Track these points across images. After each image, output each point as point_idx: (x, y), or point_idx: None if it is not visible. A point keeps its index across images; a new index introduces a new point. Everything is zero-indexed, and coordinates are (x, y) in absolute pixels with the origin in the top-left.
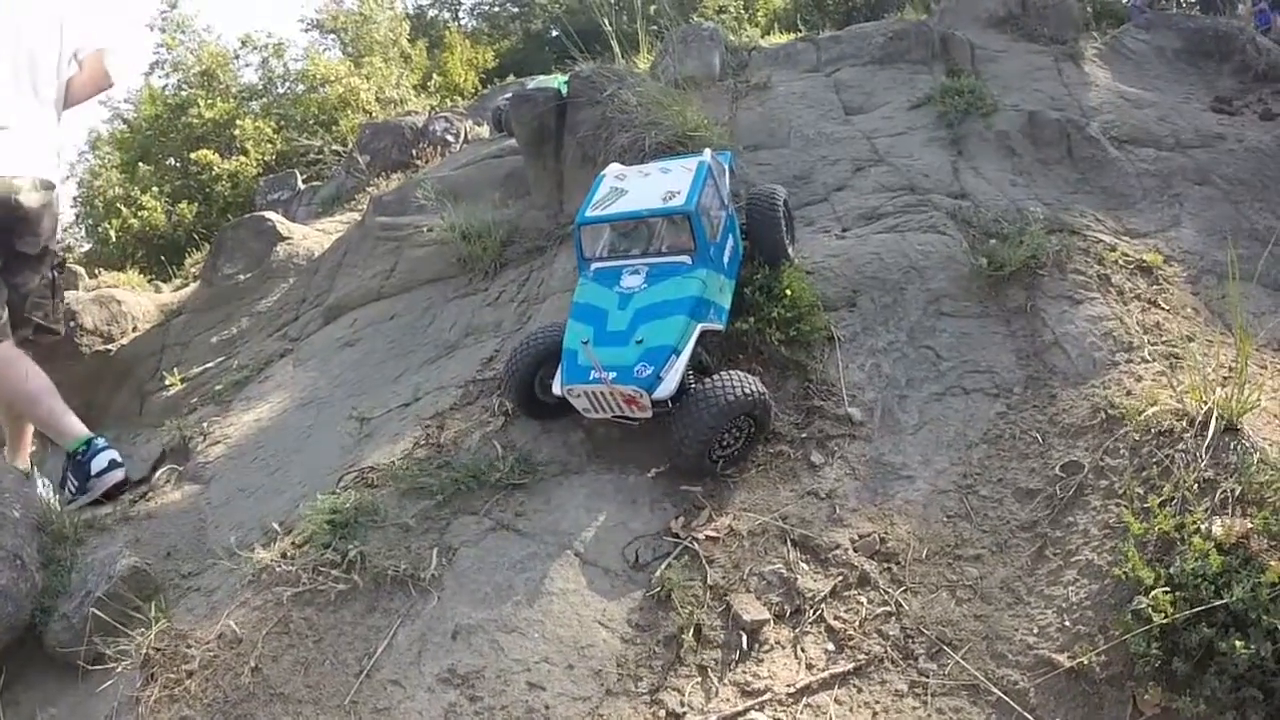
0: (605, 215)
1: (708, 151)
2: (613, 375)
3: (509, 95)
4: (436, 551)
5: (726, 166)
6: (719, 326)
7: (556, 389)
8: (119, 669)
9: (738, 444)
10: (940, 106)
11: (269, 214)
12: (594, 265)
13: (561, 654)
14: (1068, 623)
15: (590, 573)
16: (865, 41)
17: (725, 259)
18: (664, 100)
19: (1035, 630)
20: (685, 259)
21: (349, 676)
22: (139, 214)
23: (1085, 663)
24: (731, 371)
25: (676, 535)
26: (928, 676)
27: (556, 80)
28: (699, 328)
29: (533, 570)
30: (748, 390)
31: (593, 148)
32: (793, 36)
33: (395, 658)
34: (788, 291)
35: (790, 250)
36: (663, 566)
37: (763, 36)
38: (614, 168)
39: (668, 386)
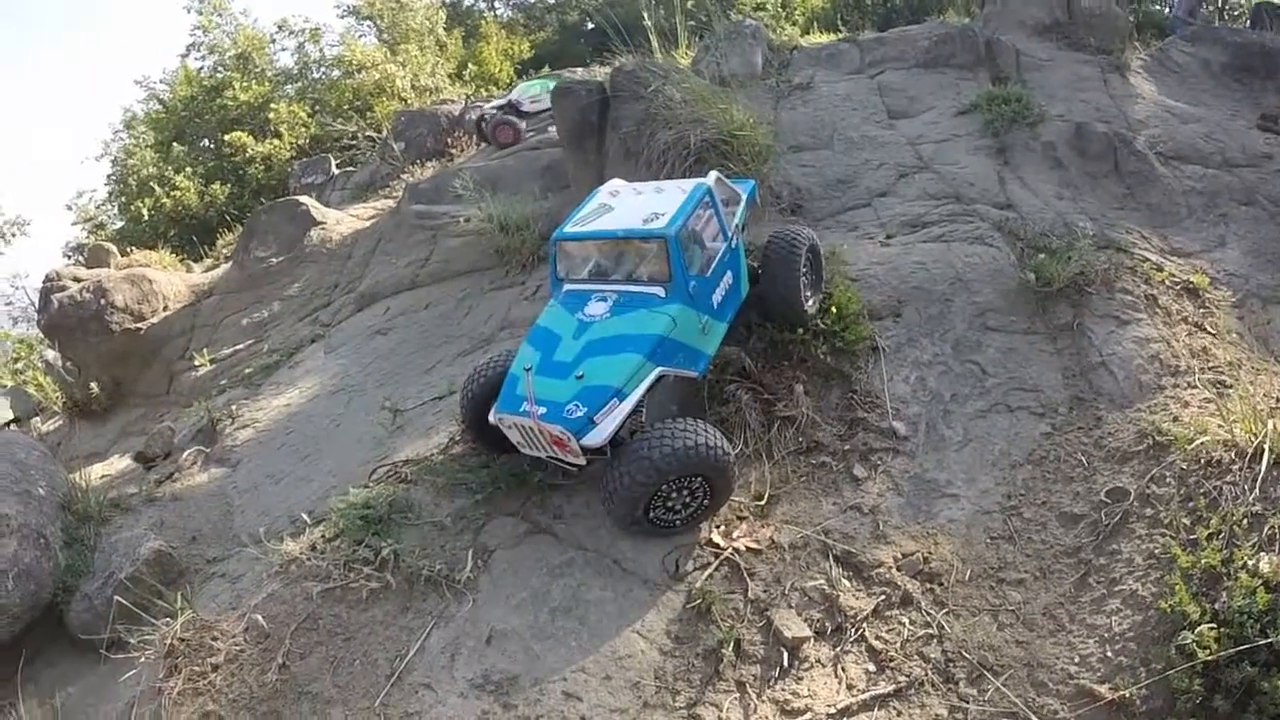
0: (581, 232)
1: (713, 174)
2: (542, 411)
3: (494, 104)
4: (472, 553)
5: (745, 197)
6: (691, 374)
7: (492, 417)
8: (141, 658)
9: (689, 509)
10: (986, 114)
11: (303, 198)
12: (566, 286)
13: (599, 664)
14: (1109, 653)
15: (629, 581)
16: (910, 44)
17: (716, 298)
18: (709, 97)
19: (1077, 659)
20: (659, 290)
21: (379, 678)
22: (172, 193)
23: (1127, 696)
24: (685, 420)
25: (717, 545)
26: (968, 702)
27: (544, 86)
28: (657, 372)
29: (570, 576)
30: (694, 443)
31: (635, 143)
32: (835, 37)
33: (428, 661)
34: (834, 299)
35: (809, 307)
36: (703, 577)
37: (802, 36)
38: (611, 184)
39: (600, 433)
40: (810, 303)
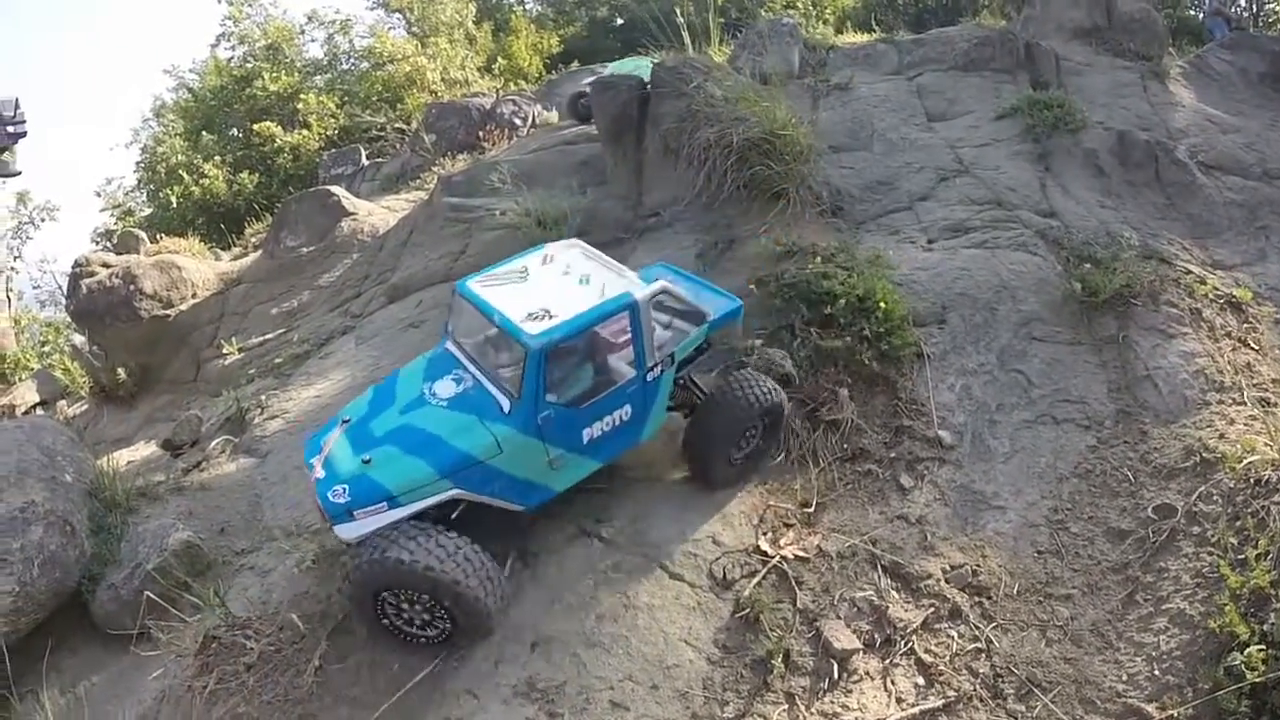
0: (472, 295)
1: (660, 283)
2: (320, 475)
3: (589, 81)
4: (514, 556)
5: (714, 318)
6: (510, 505)
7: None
8: (172, 654)
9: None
10: (1027, 119)
11: (334, 188)
12: (447, 343)
13: (646, 672)
14: (1157, 672)
15: (676, 587)
16: (949, 46)
17: (589, 433)
18: (751, 96)
19: (1124, 677)
20: (505, 402)
21: (420, 684)
22: (200, 182)
23: (1175, 716)
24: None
25: (765, 553)
26: (1016, 719)
27: (636, 65)
28: (451, 493)
29: (617, 582)
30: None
31: (676, 140)
32: (872, 37)
33: (470, 667)
34: (881, 304)
35: (721, 477)
36: (751, 585)
37: (834, 35)
38: (562, 244)
39: (355, 529)
40: (733, 471)
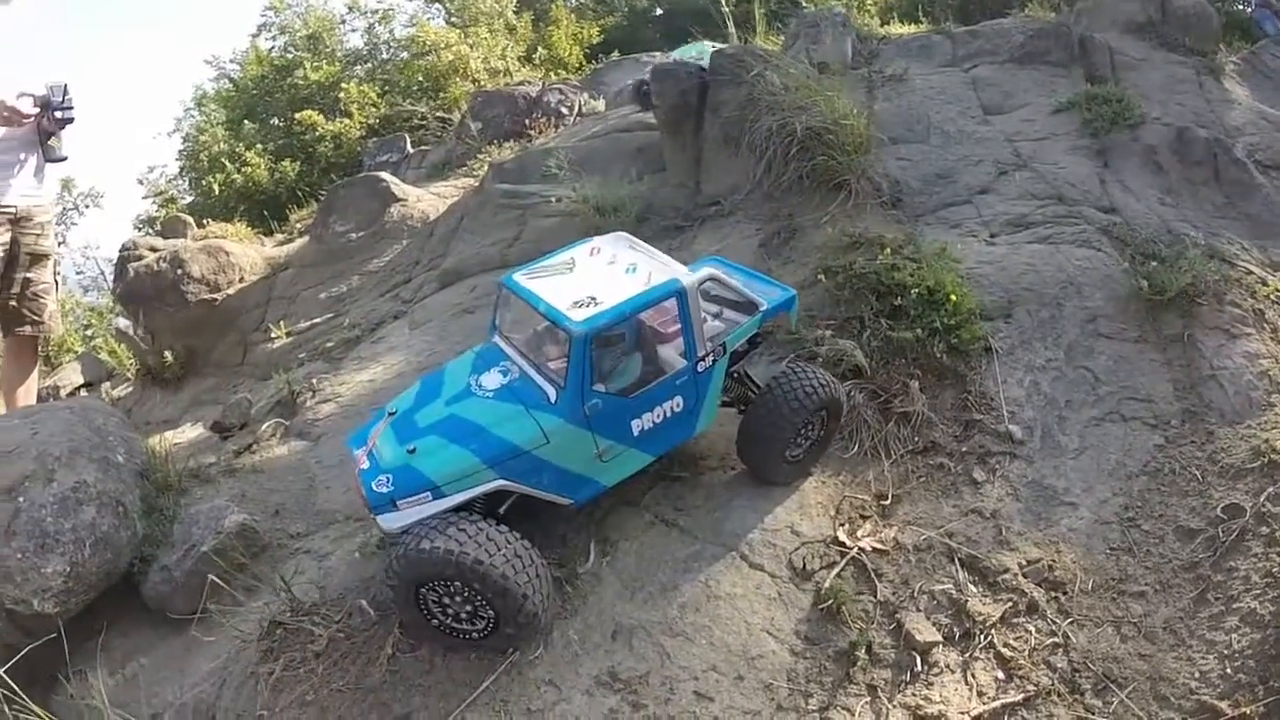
0: (519, 287)
1: (707, 270)
2: (365, 465)
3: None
4: (593, 544)
5: (767, 308)
6: (559, 499)
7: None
8: (237, 637)
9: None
10: (1085, 113)
11: (383, 174)
12: (495, 337)
13: (730, 663)
14: (1229, 670)
15: (756, 577)
16: (1003, 38)
17: (638, 425)
18: (812, 85)
19: (1197, 674)
20: (551, 392)
21: (498, 673)
22: (242, 169)
23: (1247, 713)
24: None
25: (843, 545)
26: (1094, 714)
27: (699, 50)
28: (496, 484)
29: (698, 571)
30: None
31: (735, 129)
32: (925, 28)
33: (551, 656)
34: (951, 297)
35: (778, 474)
36: (831, 576)
37: (881, 25)
38: (609, 237)
39: (398, 519)
40: (792, 468)
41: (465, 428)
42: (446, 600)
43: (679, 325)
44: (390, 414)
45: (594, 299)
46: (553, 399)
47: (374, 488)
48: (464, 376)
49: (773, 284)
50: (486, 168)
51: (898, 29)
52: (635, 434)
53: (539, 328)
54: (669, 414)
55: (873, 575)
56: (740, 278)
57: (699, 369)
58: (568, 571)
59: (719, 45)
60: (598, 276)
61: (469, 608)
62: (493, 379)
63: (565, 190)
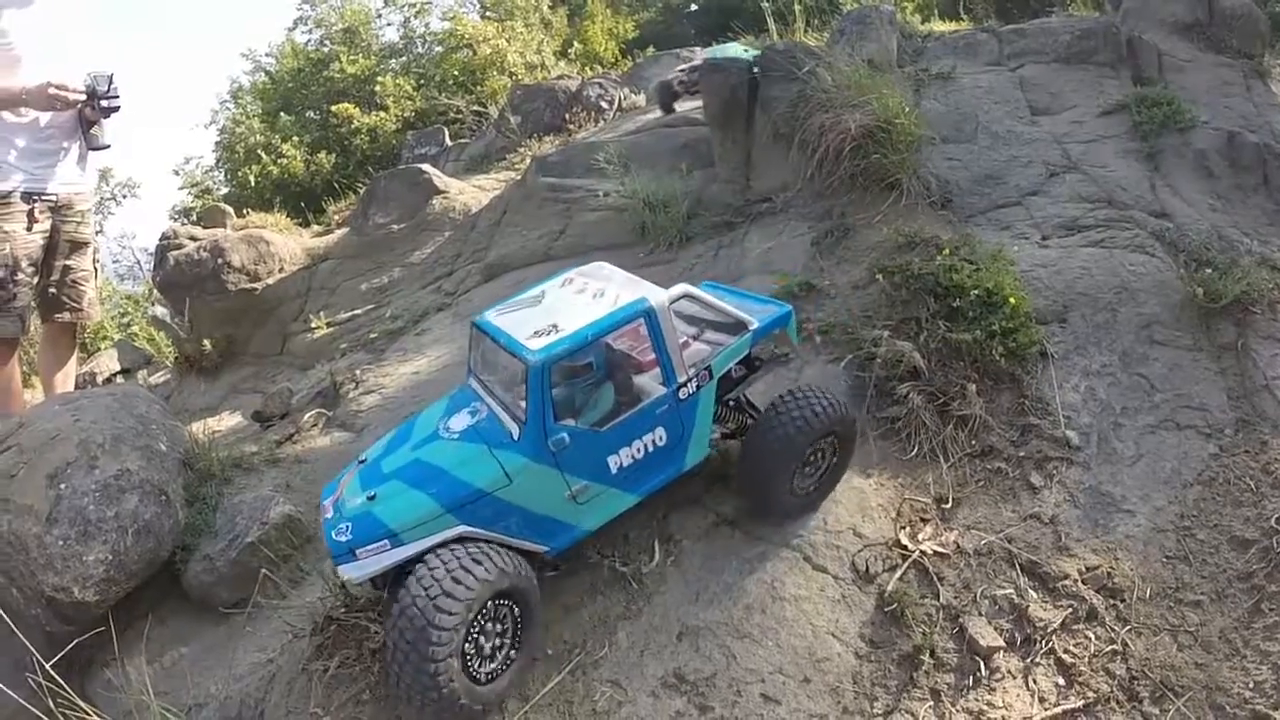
0: (487, 325)
1: (680, 287)
2: (328, 516)
3: (682, 68)
4: (658, 543)
5: (758, 326)
6: (531, 546)
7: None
8: (289, 633)
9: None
10: (1135, 116)
11: (425, 166)
12: (470, 380)
13: (797, 666)
14: None
15: (821, 579)
16: (1050, 38)
17: (615, 461)
18: (864, 82)
19: (1251, 684)
20: (514, 429)
21: (562, 674)
22: (278, 161)
23: None
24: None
25: (905, 548)
26: None
27: (739, 50)
28: (458, 531)
29: (763, 572)
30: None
31: (787, 125)
32: (970, 25)
33: (616, 656)
34: (1009, 300)
35: (783, 508)
36: (894, 579)
37: (921, 23)
38: (589, 266)
39: (358, 569)
40: (800, 502)
41: (426, 471)
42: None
43: (644, 348)
44: (360, 461)
45: (555, 326)
46: (515, 435)
47: (334, 537)
48: (435, 421)
49: (767, 302)
50: (529, 161)
51: (939, 26)
52: (613, 471)
53: (506, 364)
54: (651, 447)
55: (934, 579)
56: (730, 299)
57: (680, 396)
58: (633, 570)
59: (748, 48)
60: (563, 305)
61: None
62: (461, 420)
63: (613, 184)
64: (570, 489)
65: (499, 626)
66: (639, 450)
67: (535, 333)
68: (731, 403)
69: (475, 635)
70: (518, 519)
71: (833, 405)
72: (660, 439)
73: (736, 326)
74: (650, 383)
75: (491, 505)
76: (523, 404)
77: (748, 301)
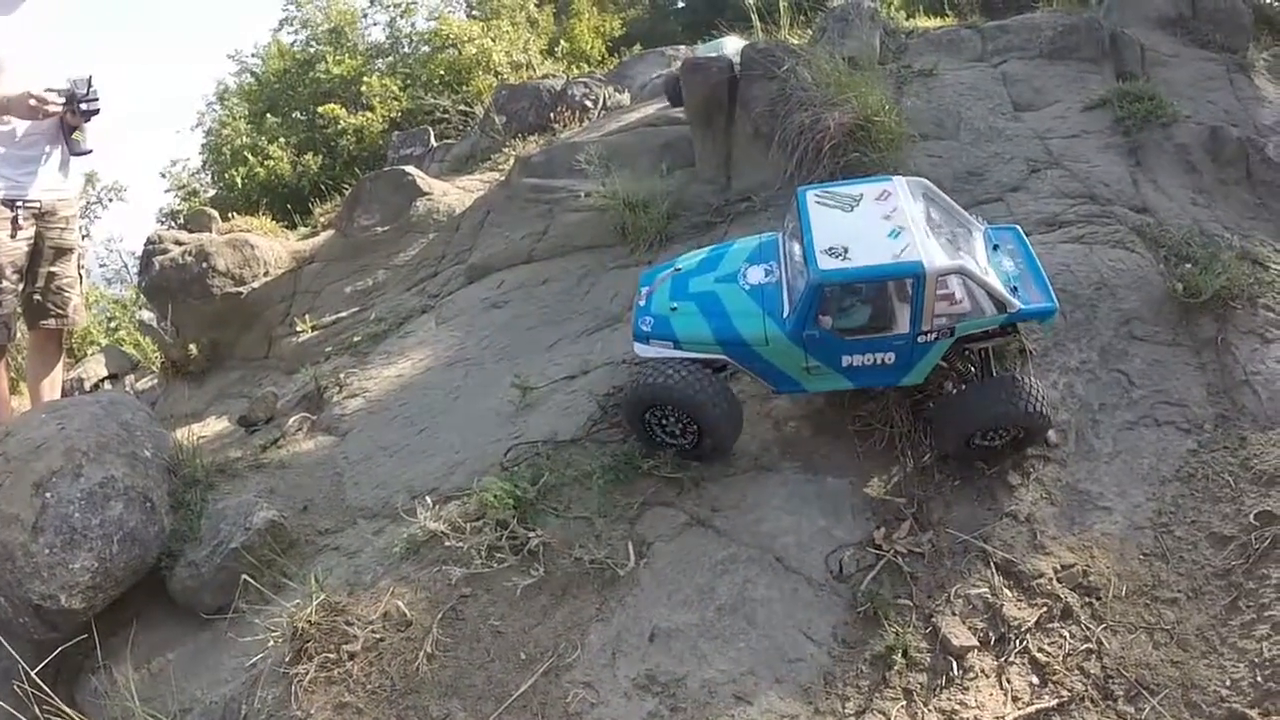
0: (803, 206)
1: (958, 265)
2: (641, 304)
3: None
4: (630, 545)
5: (1014, 314)
6: (764, 384)
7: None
8: (269, 640)
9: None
10: (1117, 111)
11: (409, 168)
12: (780, 235)
13: (769, 666)
14: (1259, 678)
15: (793, 580)
16: (1033, 33)
17: (847, 360)
18: (844, 80)
19: (1228, 682)
20: (786, 308)
21: (535, 676)
22: (265, 163)
23: None
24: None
25: (878, 547)
26: None
27: (737, 44)
28: (720, 357)
29: (735, 573)
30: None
31: (767, 124)
32: (952, 22)
33: (587, 658)
34: None
35: (951, 450)
36: (867, 579)
37: (906, 19)
38: (910, 181)
39: (645, 352)
40: (965, 450)
41: (716, 308)
42: (665, 421)
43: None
44: (675, 269)
45: (846, 251)
46: (784, 315)
47: (640, 324)
48: (739, 261)
49: (1047, 289)
50: (512, 161)
51: (924, 22)
52: (843, 365)
53: (800, 255)
54: (878, 362)
55: (908, 578)
56: (1023, 262)
57: (919, 340)
58: (606, 572)
59: (739, 42)
60: (865, 226)
61: (680, 426)
62: (756, 274)
63: (594, 185)
64: (807, 363)
65: (679, 426)
66: (869, 360)
67: (829, 250)
68: (967, 353)
69: (665, 419)
70: (763, 366)
71: (1039, 412)
72: (889, 360)
73: (1001, 304)
74: (901, 315)
75: (749, 353)
76: (800, 287)
77: (1032, 279)
